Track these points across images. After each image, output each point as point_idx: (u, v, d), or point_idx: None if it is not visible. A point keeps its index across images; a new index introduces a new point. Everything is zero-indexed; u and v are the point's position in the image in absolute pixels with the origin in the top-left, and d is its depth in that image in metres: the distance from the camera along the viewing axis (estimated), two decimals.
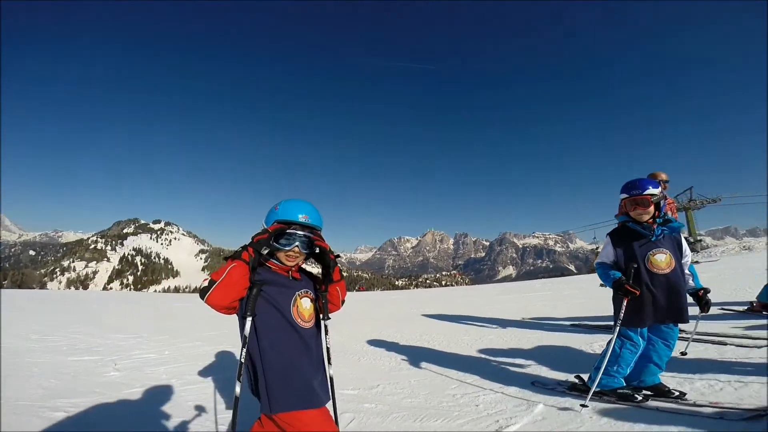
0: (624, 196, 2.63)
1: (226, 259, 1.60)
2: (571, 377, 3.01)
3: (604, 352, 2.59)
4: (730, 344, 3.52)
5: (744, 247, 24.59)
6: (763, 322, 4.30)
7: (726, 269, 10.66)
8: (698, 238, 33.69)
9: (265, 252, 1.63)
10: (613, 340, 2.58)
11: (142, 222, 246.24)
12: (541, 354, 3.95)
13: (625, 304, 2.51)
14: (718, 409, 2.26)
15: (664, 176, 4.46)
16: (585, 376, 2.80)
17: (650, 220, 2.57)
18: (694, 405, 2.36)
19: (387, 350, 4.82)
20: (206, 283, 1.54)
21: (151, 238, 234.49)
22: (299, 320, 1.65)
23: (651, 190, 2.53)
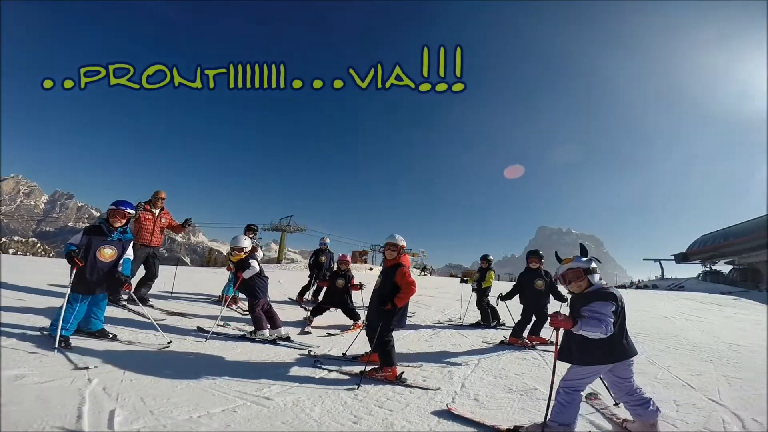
0: (111, 207, 3.81)
1: None
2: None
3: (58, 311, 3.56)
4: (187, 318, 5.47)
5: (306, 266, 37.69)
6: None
7: (283, 274, 15.42)
8: (285, 252, 47.26)
9: None
10: (64, 304, 3.54)
11: None
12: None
13: (73, 273, 3.58)
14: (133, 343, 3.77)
15: (163, 194, 5.60)
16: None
17: (116, 226, 3.79)
18: (114, 340, 3.88)
19: None
20: None
21: None
22: None
23: (128, 210, 3.85)
